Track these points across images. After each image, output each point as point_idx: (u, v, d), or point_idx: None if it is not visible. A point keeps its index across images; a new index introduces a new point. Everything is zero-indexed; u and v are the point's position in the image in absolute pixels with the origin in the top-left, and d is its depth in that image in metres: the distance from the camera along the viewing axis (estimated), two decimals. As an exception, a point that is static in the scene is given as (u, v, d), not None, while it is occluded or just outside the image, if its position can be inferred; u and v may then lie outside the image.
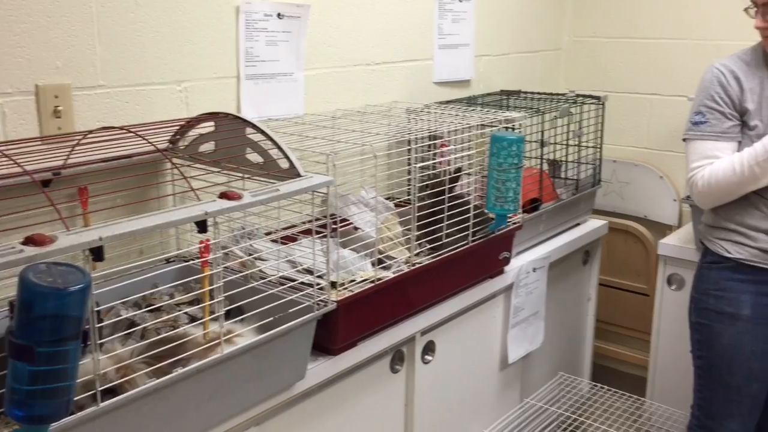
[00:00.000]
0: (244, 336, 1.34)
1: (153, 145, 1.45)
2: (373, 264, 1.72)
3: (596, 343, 2.90)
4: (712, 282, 1.97)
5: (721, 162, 1.86)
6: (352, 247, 1.74)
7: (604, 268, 2.85)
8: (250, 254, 1.63)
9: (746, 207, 1.88)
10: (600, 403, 2.53)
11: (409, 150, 2.20)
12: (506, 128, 2.02)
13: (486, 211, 1.96)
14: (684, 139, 1.96)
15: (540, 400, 2.43)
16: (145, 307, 1.44)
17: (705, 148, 1.90)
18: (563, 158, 2.60)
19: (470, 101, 2.47)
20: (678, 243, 2.53)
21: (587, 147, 2.60)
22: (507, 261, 2.11)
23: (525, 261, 2.21)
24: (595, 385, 2.63)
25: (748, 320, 1.90)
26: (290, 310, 1.42)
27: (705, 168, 1.88)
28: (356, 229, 1.88)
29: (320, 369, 1.55)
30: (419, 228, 1.79)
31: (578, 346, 2.79)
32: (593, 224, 2.66)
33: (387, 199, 2.06)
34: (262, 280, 1.50)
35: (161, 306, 1.48)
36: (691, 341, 2.05)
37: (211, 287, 1.30)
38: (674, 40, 2.90)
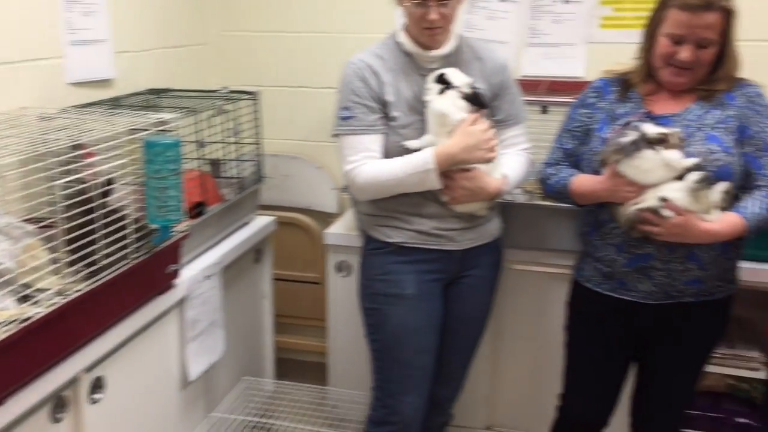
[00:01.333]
0: None
1: None
2: (18, 301, 1.46)
3: (278, 337, 2.89)
4: (377, 267, 2.05)
5: (385, 164, 1.93)
6: (-14, 285, 1.46)
7: (276, 262, 2.84)
8: None
9: (399, 195, 1.97)
10: (287, 400, 2.52)
11: (47, 164, 1.92)
12: (160, 131, 1.87)
13: (147, 223, 1.80)
14: (335, 135, 2.00)
15: (225, 411, 2.34)
16: None
17: (357, 143, 1.95)
18: (224, 157, 2.52)
19: (115, 103, 2.25)
20: (342, 231, 2.62)
21: (247, 144, 2.55)
22: (176, 274, 1.97)
23: (196, 270, 2.09)
24: (279, 383, 2.61)
25: (413, 298, 2.01)
26: None
27: (364, 164, 1.94)
28: (-11, 262, 1.58)
29: (-46, 446, 1.27)
30: (71, 251, 1.57)
31: (260, 346, 2.75)
32: (261, 221, 2.63)
33: (26, 222, 1.78)
34: None
35: None
36: (364, 326, 2.12)
37: None
38: (319, 33, 2.98)
